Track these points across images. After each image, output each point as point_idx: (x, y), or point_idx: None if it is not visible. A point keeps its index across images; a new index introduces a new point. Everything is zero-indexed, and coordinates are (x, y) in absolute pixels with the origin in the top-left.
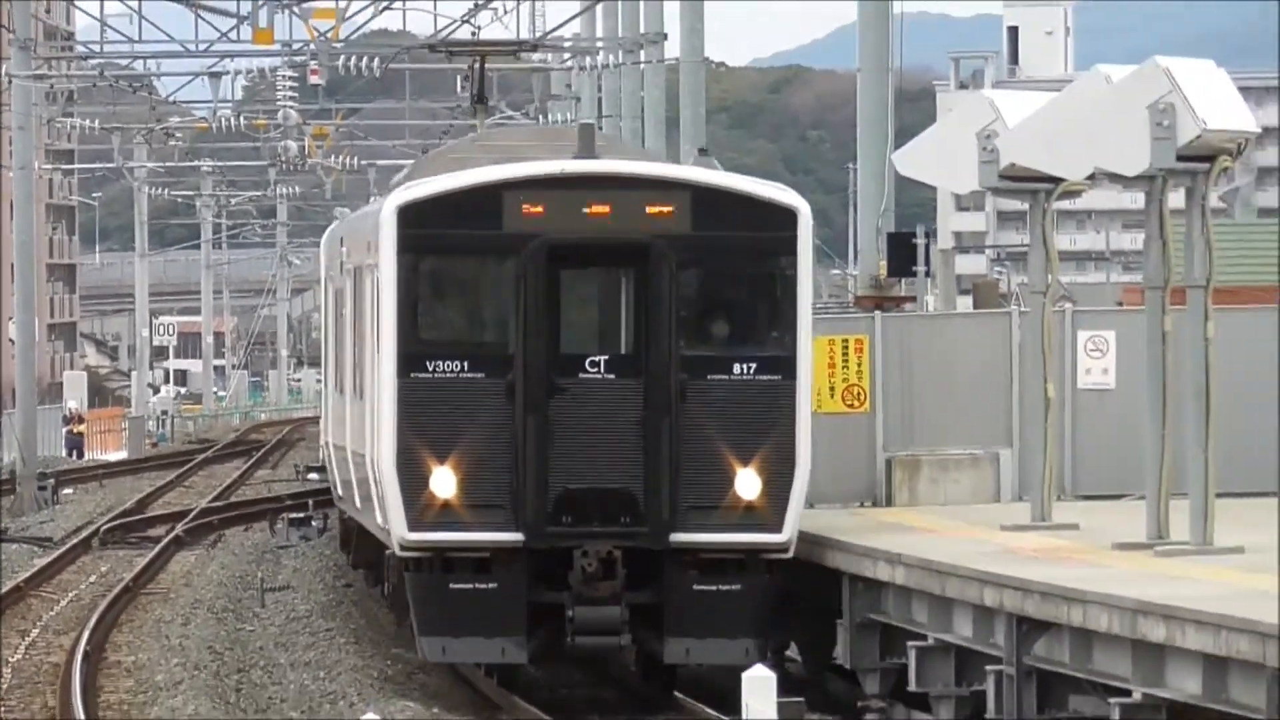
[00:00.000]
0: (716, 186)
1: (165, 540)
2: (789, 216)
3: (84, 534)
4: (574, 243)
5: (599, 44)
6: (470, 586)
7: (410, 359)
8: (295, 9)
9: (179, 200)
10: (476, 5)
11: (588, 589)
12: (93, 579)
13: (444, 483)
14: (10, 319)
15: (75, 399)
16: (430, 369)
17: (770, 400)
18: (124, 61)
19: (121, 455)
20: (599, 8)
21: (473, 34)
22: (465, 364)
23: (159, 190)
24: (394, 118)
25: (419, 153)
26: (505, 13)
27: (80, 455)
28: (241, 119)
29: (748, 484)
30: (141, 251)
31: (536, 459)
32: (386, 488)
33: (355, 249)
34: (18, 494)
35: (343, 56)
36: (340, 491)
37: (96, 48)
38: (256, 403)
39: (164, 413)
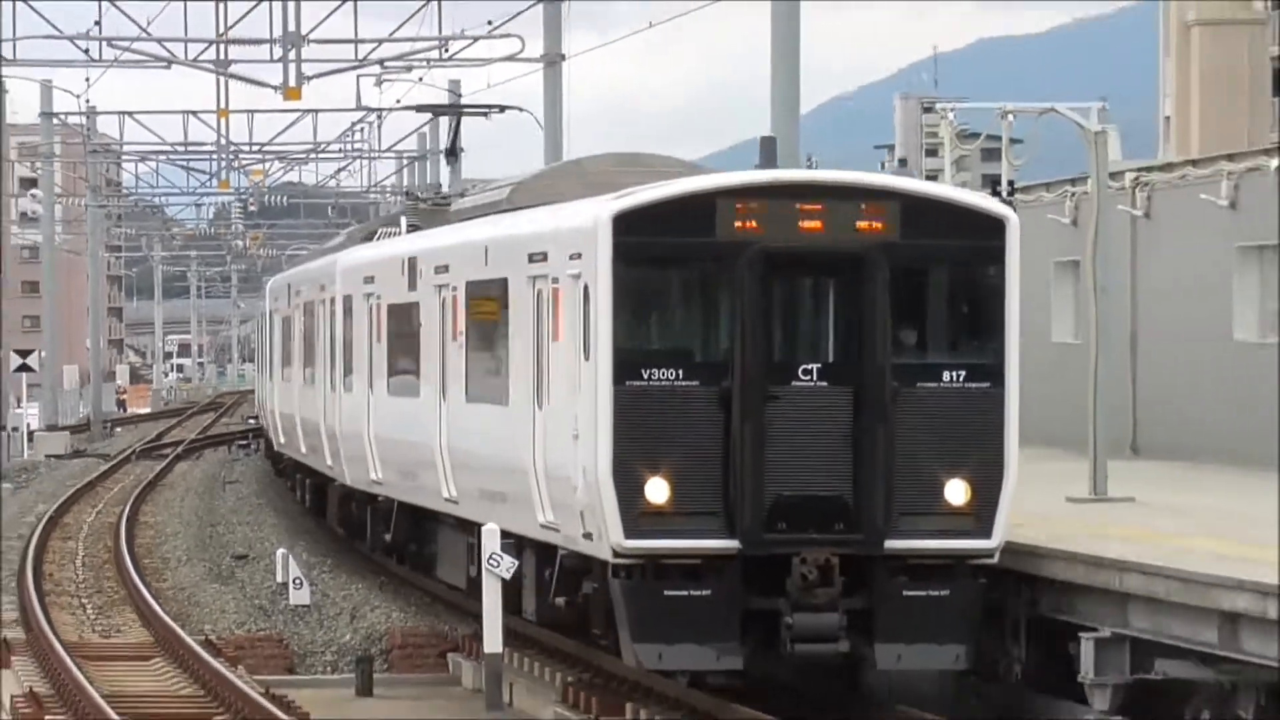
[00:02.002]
0: (926, 196)
1: (171, 456)
2: (997, 225)
3: (126, 453)
4: (789, 251)
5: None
6: (684, 594)
7: (626, 367)
8: (243, 170)
9: (178, 271)
10: (340, 167)
11: (806, 596)
12: (131, 477)
13: (659, 490)
14: (91, 344)
15: (122, 380)
16: (645, 377)
17: (979, 408)
18: (149, 197)
19: (147, 410)
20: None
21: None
22: (680, 372)
23: (167, 266)
24: (295, 227)
25: (305, 248)
26: (355, 172)
27: (125, 410)
28: (212, 228)
29: (958, 491)
30: (158, 300)
31: (753, 466)
32: (603, 495)
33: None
34: (91, 431)
35: (266, 195)
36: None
37: (131, 189)
38: (221, 382)
39: (170, 388)
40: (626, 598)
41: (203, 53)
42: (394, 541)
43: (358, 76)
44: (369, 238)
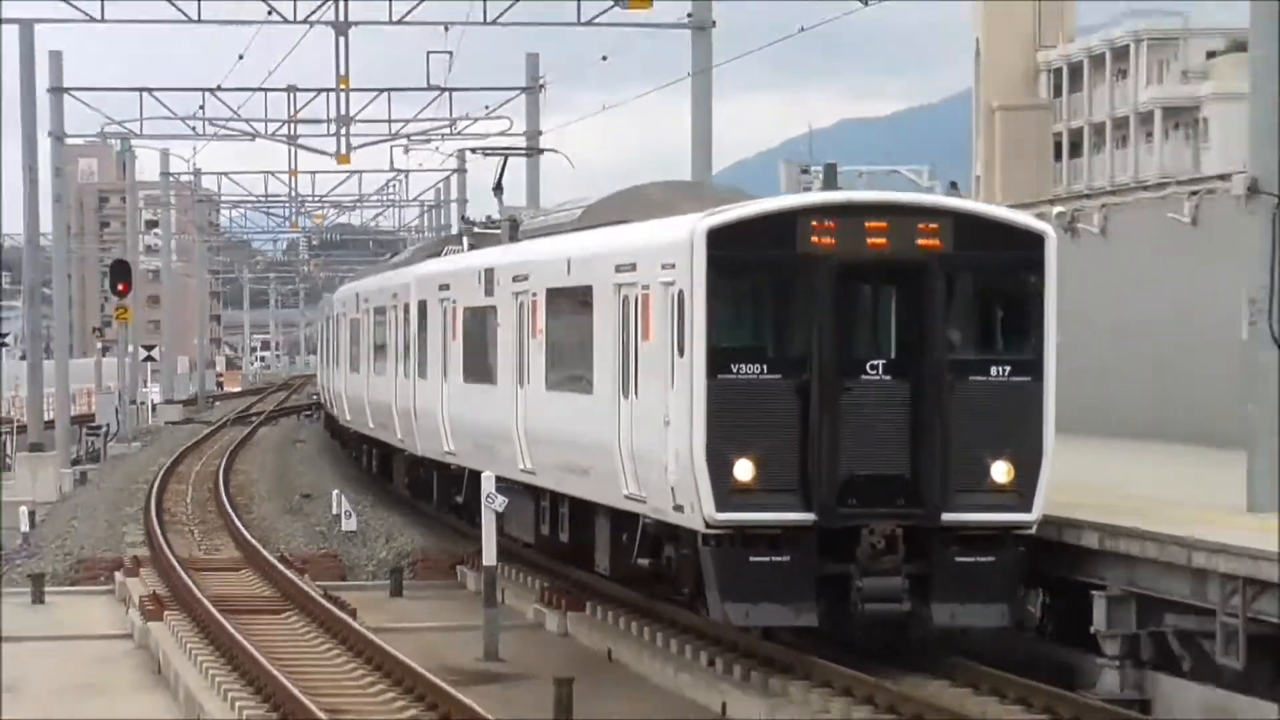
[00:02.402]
0: (976, 214)
1: (257, 423)
2: (1038, 239)
3: (222, 420)
4: (858, 262)
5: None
6: (767, 560)
7: (718, 362)
8: (307, 214)
9: (260, 289)
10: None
11: (874, 562)
12: (226, 438)
13: (745, 470)
14: (198, 341)
15: (220, 367)
16: (735, 371)
17: (1022, 398)
18: (239, 234)
19: (238, 389)
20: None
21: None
22: (764, 366)
23: (252, 285)
24: (345, 257)
25: (354, 270)
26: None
27: (221, 389)
28: (285, 257)
29: (1002, 471)
30: (246, 309)
31: (829, 449)
32: (696, 474)
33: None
34: (197, 404)
35: (324, 233)
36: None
37: (226, 229)
38: (292, 369)
39: (255, 373)
40: (716, 563)
41: (279, 129)
42: (464, 502)
43: (390, 147)
44: (435, 254)
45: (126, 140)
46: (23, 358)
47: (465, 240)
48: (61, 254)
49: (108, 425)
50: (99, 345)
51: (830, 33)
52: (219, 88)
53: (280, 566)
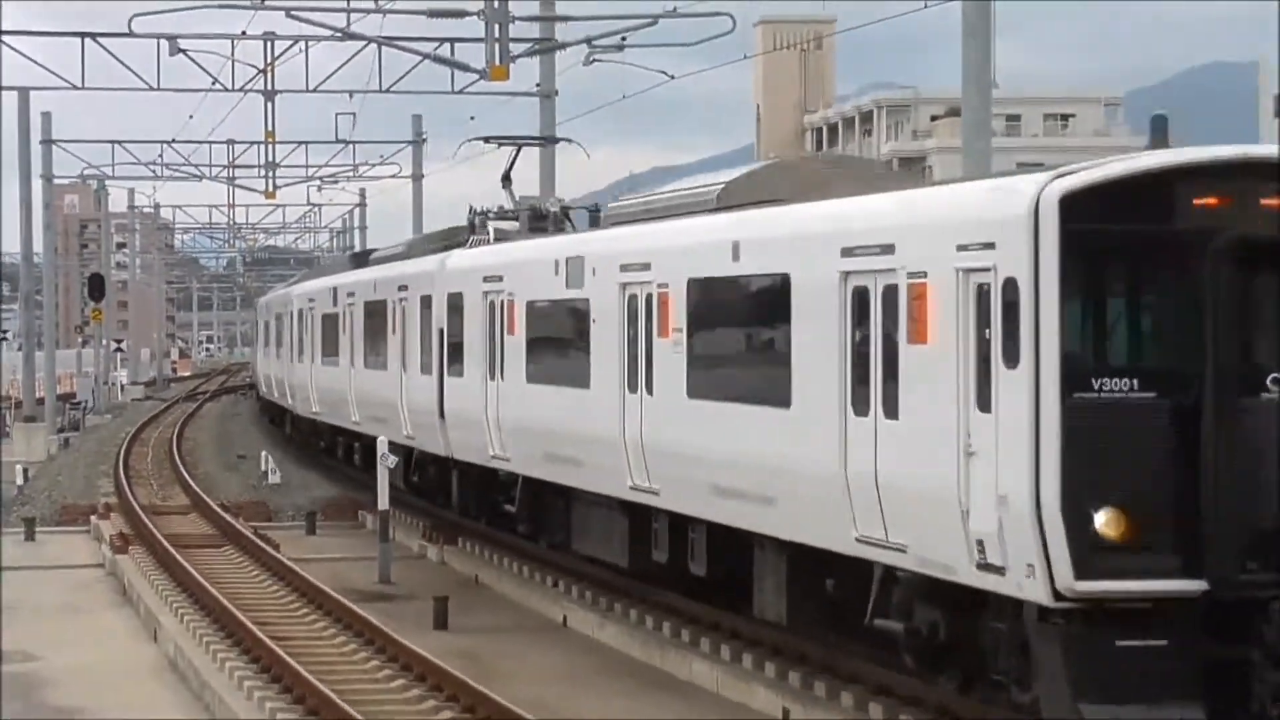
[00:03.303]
0: None
1: (203, 400)
2: None
3: (176, 398)
4: (1258, 241)
5: None
6: (1139, 644)
7: (1074, 377)
8: (242, 238)
9: (205, 296)
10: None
11: None
12: (179, 412)
13: (1112, 522)
14: (157, 335)
15: (174, 356)
16: (1097, 388)
17: None
18: (189, 254)
19: (189, 373)
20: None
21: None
22: (1135, 382)
23: (200, 293)
24: (272, 270)
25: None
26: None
27: (175, 373)
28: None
29: None
30: (195, 311)
31: (1226, 493)
32: (1045, 527)
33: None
34: (156, 385)
35: (256, 252)
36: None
37: (179, 249)
38: (230, 358)
39: (201, 360)
40: (1068, 648)
41: (221, 172)
42: (518, 512)
43: (307, 186)
44: (445, 248)
45: (102, 181)
46: (19, 349)
47: (490, 230)
48: (49, 269)
49: (86, 401)
50: (80, 339)
51: (646, 99)
52: (174, 140)
53: (220, 511)
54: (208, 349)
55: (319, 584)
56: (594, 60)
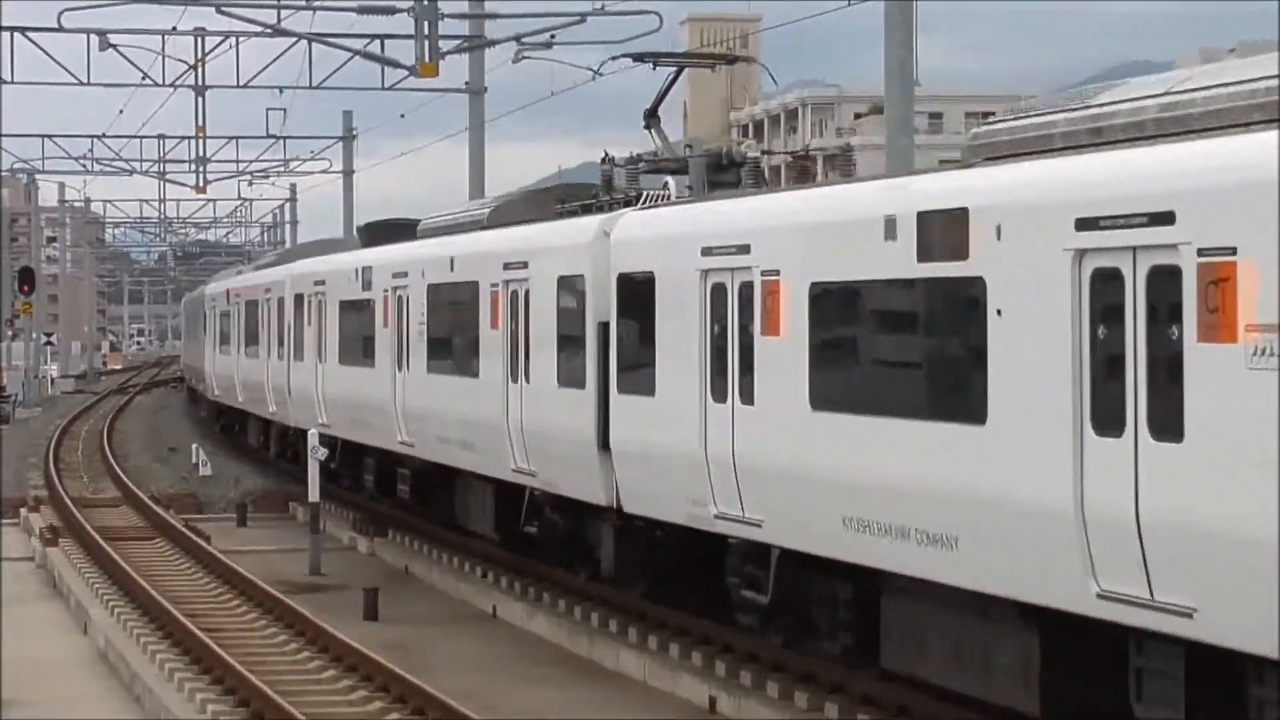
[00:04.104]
0: None
1: (134, 393)
2: None
3: (106, 391)
4: None
5: None
6: None
7: None
8: (173, 232)
9: (136, 289)
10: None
11: None
12: (109, 405)
13: None
14: (88, 329)
15: (104, 350)
16: None
17: None
18: (120, 247)
19: (120, 367)
20: None
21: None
22: None
23: (131, 286)
24: (200, 264)
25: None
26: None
27: (105, 366)
28: (157, 265)
29: None
30: (126, 304)
31: None
32: None
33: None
34: (87, 378)
35: (186, 246)
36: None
37: (110, 243)
38: (162, 350)
39: (133, 353)
40: None
41: (152, 167)
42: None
43: (238, 181)
44: (563, 214)
45: (31, 174)
46: None
47: (669, 184)
48: None
49: (16, 394)
50: (9, 332)
51: (574, 96)
52: (105, 135)
53: (151, 503)
54: (139, 342)
55: (250, 575)
56: (523, 57)
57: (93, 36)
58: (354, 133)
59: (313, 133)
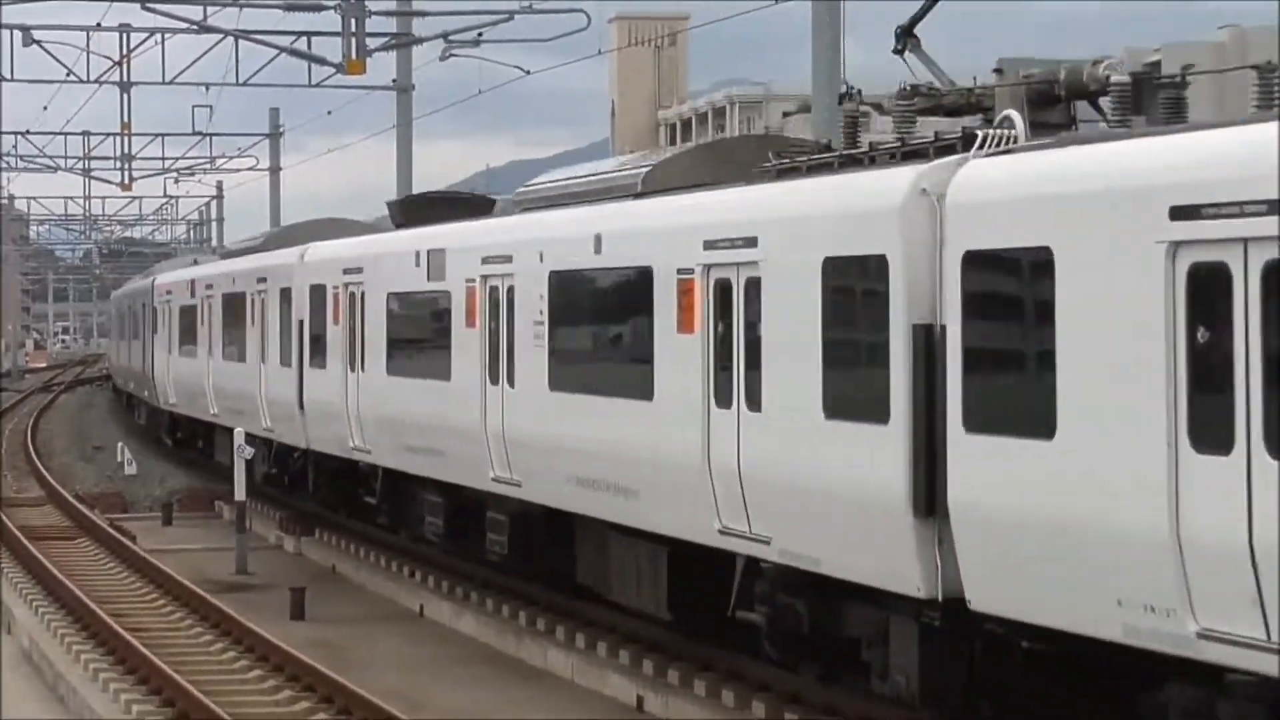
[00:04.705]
0: None
1: (58, 392)
2: None
3: (30, 390)
4: None
5: None
6: None
7: None
8: (99, 229)
9: (61, 287)
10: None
11: None
12: (33, 403)
13: None
14: (12, 327)
15: (29, 348)
16: None
17: None
18: (45, 245)
19: (44, 365)
20: None
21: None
22: None
23: (56, 284)
24: (128, 261)
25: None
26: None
27: (29, 365)
28: (82, 263)
29: None
30: (50, 303)
31: None
32: None
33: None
34: (10, 376)
35: (112, 244)
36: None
37: (35, 241)
38: (86, 349)
39: (57, 352)
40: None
41: (76, 164)
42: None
43: (164, 178)
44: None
45: None
46: None
47: (1017, 119)
48: None
49: None
50: None
51: (501, 95)
52: (29, 131)
53: (75, 502)
54: (63, 340)
55: (175, 575)
56: (450, 55)
57: (16, 32)
58: (281, 130)
59: (239, 130)
